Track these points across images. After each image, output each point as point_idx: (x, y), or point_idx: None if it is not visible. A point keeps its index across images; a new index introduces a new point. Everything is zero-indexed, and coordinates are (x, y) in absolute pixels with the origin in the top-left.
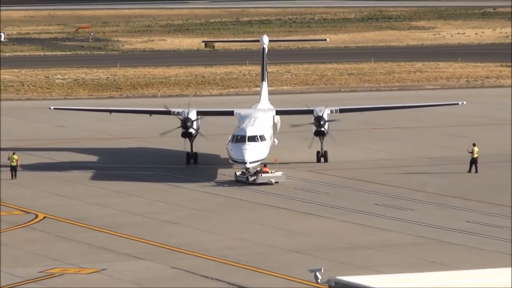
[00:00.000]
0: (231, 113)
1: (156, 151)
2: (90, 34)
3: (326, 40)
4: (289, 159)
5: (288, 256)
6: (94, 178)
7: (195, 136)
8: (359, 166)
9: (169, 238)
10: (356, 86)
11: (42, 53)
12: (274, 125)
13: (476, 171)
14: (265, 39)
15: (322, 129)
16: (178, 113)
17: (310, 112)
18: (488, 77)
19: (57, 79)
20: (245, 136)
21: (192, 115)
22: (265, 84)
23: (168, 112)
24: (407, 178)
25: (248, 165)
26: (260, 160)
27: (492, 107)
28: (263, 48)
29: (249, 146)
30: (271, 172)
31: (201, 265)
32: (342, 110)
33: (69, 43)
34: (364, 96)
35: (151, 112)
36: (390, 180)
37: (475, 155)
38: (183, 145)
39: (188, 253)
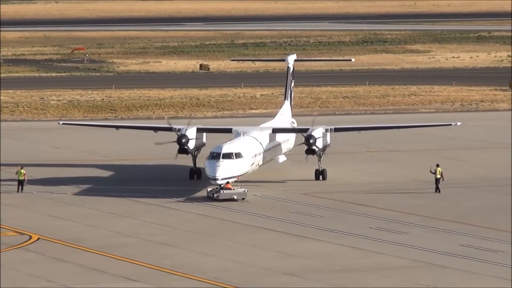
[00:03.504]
0: (229, 131)
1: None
2: (85, 55)
3: (351, 60)
4: (288, 177)
5: (283, 279)
6: (88, 199)
7: (197, 152)
8: (353, 189)
9: (162, 260)
10: (350, 109)
11: (37, 74)
12: (276, 143)
13: (438, 191)
14: (291, 58)
15: (313, 147)
16: (179, 130)
17: (305, 130)
18: (482, 101)
19: (51, 100)
20: (220, 153)
21: (190, 132)
22: (287, 103)
23: (170, 129)
24: (401, 201)
25: (219, 182)
26: (235, 177)
27: (486, 130)
28: (288, 67)
29: (222, 163)
30: (233, 189)
31: (194, 287)
32: (337, 129)
33: (64, 64)
34: (358, 119)
35: (156, 129)
36: (384, 203)
37: (438, 176)
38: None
39: (181, 275)
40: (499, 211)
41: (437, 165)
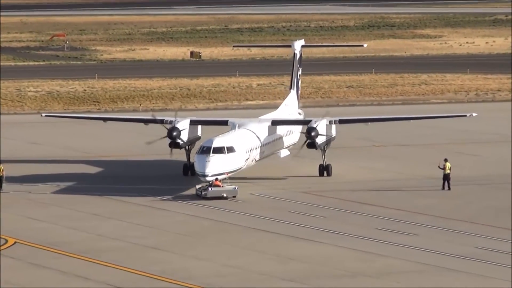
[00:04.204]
0: (225, 123)
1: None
2: (65, 42)
3: (363, 45)
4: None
5: (282, 285)
6: (69, 199)
7: (191, 146)
8: (357, 187)
9: (151, 265)
10: (355, 99)
11: (13, 63)
12: (277, 137)
13: (449, 188)
14: (297, 44)
15: (314, 141)
16: (170, 122)
17: (308, 122)
18: (499, 90)
19: (29, 91)
20: (210, 148)
21: (182, 125)
22: (293, 92)
23: (161, 121)
24: (410, 200)
25: (209, 178)
26: (227, 173)
27: (504, 123)
28: (295, 54)
29: (212, 158)
30: (222, 186)
31: None
32: (342, 121)
33: (42, 52)
34: (364, 111)
35: (146, 121)
36: (391, 203)
37: (447, 171)
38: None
39: (172, 281)
40: None
41: (446, 160)
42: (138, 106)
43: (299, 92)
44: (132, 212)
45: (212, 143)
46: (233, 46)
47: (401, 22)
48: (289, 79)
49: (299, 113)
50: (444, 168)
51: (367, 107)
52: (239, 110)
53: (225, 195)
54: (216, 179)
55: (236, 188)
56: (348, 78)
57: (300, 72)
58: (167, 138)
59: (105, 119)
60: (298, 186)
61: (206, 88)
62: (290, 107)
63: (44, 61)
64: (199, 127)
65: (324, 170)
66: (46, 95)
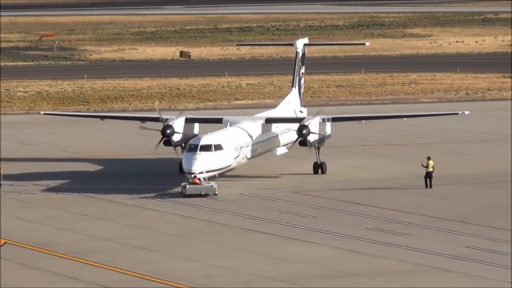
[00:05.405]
0: (219, 121)
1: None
2: (54, 42)
3: (365, 44)
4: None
5: (272, 285)
6: (59, 199)
7: (184, 143)
8: (349, 186)
9: (141, 266)
10: (345, 99)
11: (2, 64)
12: (272, 135)
13: (430, 186)
14: (299, 42)
15: (305, 139)
16: (166, 120)
17: (301, 120)
18: (489, 89)
19: (18, 92)
20: (197, 145)
21: (178, 123)
22: (295, 90)
23: (157, 119)
24: (402, 200)
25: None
26: (215, 171)
27: (494, 121)
28: (297, 52)
29: (199, 156)
30: (200, 184)
31: None
32: (335, 119)
33: (31, 52)
34: (354, 110)
35: (143, 119)
36: (383, 202)
37: (430, 169)
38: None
39: (162, 282)
40: (509, 210)
41: (428, 158)
42: (127, 106)
43: (302, 90)
44: (122, 213)
45: (199, 141)
46: (237, 45)
47: (391, 21)
48: (281, 78)
49: (301, 111)
50: (427, 166)
51: (357, 106)
52: (228, 110)
53: (203, 193)
54: (194, 177)
55: (214, 186)
56: (337, 78)
57: (303, 71)
58: (160, 135)
59: (102, 117)
60: (288, 186)
61: (195, 88)
62: (291, 105)
63: (33, 61)
64: (196, 125)
65: (319, 168)
66: (35, 95)
